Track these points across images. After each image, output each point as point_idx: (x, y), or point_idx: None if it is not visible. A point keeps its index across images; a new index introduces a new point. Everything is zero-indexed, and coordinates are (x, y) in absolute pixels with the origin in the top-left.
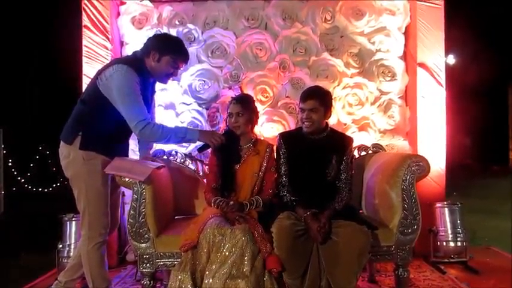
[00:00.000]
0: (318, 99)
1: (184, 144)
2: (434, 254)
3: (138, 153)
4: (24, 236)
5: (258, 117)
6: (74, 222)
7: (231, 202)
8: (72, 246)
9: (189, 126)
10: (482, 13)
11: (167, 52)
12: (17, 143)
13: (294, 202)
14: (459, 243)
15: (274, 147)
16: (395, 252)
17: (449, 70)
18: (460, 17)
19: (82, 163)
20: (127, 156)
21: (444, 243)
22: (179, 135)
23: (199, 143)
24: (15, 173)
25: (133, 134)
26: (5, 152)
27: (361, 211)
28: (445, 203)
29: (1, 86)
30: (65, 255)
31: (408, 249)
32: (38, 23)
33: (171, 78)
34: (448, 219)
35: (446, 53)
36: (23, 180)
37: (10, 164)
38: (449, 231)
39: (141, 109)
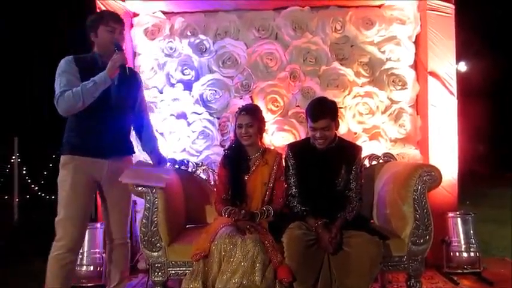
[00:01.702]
0: (329, 116)
1: (194, 153)
2: (447, 265)
3: (143, 153)
4: (37, 243)
5: (265, 127)
6: (86, 230)
7: (243, 211)
8: (85, 254)
9: (199, 137)
10: (493, 19)
11: (96, 23)
12: (31, 151)
13: (304, 212)
14: (472, 254)
15: (283, 157)
16: (407, 262)
17: (461, 77)
18: (471, 24)
19: (61, 170)
20: (117, 150)
21: (457, 254)
22: (89, 85)
23: None
24: (29, 180)
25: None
26: (19, 160)
27: (372, 221)
28: (458, 212)
29: (16, 95)
30: (78, 262)
31: (420, 260)
32: (54, 34)
33: (124, 48)
34: (461, 229)
35: (458, 60)
36: (36, 188)
37: (24, 171)
38: (462, 242)
39: (61, 85)
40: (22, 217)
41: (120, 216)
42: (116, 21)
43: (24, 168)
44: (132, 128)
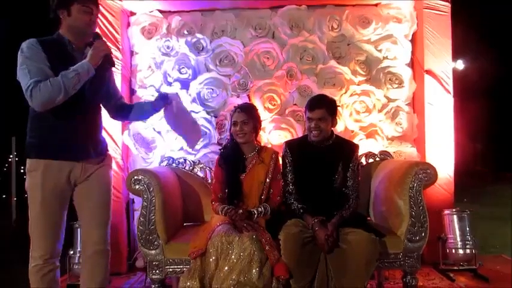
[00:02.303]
0: (326, 108)
1: (192, 151)
2: (444, 262)
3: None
4: None
5: (261, 126)
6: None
7: (240, 210)
8: (78, 249)
9: None
10: (490, 17)
11: (71, 0)
12: None
13: (301, 210)
14: (468, 251)
15: (280, 155)
16: (404, 259)
17: (459, 75)
18: (468, 22)
19: (27, 176)
20: (91, 151)
21: (453, 251)
22: (70, 75)
23: None
24: None
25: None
26: (16, 159)
27: (369, 218)
28: (454, 210)
29: (13, 95)
30: (76, 261)
31: (416, 257)
32: (49, 34)
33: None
34: (457, 226)
35: (455, 58)
36: None
37: (22, 171)
38: (459, 239)
39: (32, 74)
40: (20, 216)
41: (100, 221)
42: (93, 2)
43: (22, 168)
44: (114, 116)
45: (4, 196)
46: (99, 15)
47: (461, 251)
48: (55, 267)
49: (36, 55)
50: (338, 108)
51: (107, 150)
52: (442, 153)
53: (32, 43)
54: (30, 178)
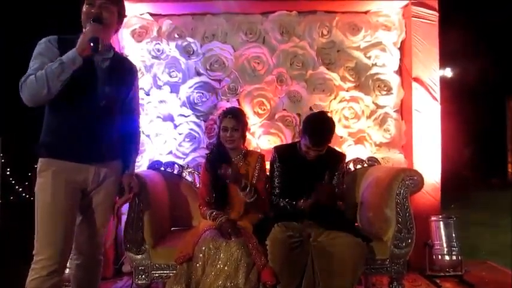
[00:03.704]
0: (328, 141)
1: (181, 155)
2: (430, 268)
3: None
4: (21, 245)
5: (248, 131)
6: (72, 246)
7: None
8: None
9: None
10: (478, 23)
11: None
12: (16, 152)
13: (289, 203)
14: (454, 257)
15: (267, 159)
16: (390, 265)
17: (447, 82)
18: (456, 29)
19: (38, 177)
20: (105, 154)
21: (439, 257)
22: (54, 65)
23: None
24: (13, 182)
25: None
26: (3, 160)
27: (356, 224)
28: (440, 216)
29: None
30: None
31: (402, 263)
32: (39, 35)
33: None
34: (443, 232)
35: (444, 65)
36: (20, 189)
37: (8, 173)
38: (445, 245)
39: (31, 70)
40: (5, 218)
41: (99, 227)
42: None
43: (8, 169)
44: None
45: None
46: None
47: (447, 257)
48: (59, 282)
49: (48, 51)
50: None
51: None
52: (429, 160)
53: (49, 39)
54: (40, 178)
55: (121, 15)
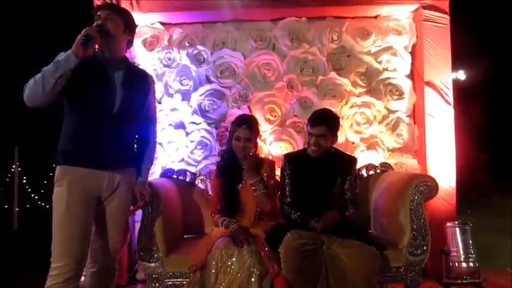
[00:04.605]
0: (327, 125)
1: (193, 163)
2: (447, 275)
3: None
4: (36, 253)
5: (258, 137)
6: (88, 254)
7: (235, 225)
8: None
9: (198, 146)
10: (491, 26)
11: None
12: (31, 160)
13: (303, 218)
14: (471, 264)
15: (277, 165)
16: (405, 273)
17: (460, 85)
18: (468, 31)
19: (55, 185)
20: (119, 161)
21: (456, 264)
22: (51, 68)
23: None
24: (29, 190)
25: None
26: (19, 169)
27: (370, 231)
28: (456, 222)
29: (16, 105)
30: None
31: (418, 270)
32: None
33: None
34: (459, 239)
35: (456, 69)
36: (36, 197)
37: (24, 181)
38: (461, 252)
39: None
40: (21, 226)
41: (112, 235)
42: (99, 8)
43: (25, 178)
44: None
45: (6, 206)
46: None
47: (464, 265)
48: (72, 285)
49: (57, 59)
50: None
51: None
52: (443, 165)
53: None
54: (57, 186)
55: (129, 26)
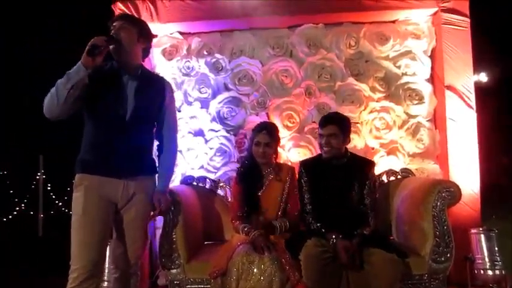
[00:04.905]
0: (337, 124)
1: (212, 169)
2: (472, 283)
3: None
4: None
5: (279, 145)
6: (105, 257)
7: (261, 217)
8: (106, 270)
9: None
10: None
11: None
12: (55, 168)
13: (321, 228)
14: (497, 272)
15: (297, 172)
16: (429, 281)
17: (483, 87)
18: (488, 34)
19: (73, 192)
20: (134, 170)
21: (482, 272)
22: (63, 80)
23: None
24: (53, 197)
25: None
26: (44, 177)
27: (391, 237)
28: (481, 229)
29: (41, 115)
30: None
31: (442, 278)
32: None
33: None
34: (484, 245)
35: (479, 71)
36: (60, 204)
37: (49, 188)
38: (487, 259)
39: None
40: (46, 232)
41: (131, 243)
42: (114, 19)
43: (49, 185)
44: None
45: (32, 213)
46: None
47: (490, 272)
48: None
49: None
50: (357, 125)
51: (156, 172)
52: (466, 170)
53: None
54: (75, 192)
55: (143, 35)
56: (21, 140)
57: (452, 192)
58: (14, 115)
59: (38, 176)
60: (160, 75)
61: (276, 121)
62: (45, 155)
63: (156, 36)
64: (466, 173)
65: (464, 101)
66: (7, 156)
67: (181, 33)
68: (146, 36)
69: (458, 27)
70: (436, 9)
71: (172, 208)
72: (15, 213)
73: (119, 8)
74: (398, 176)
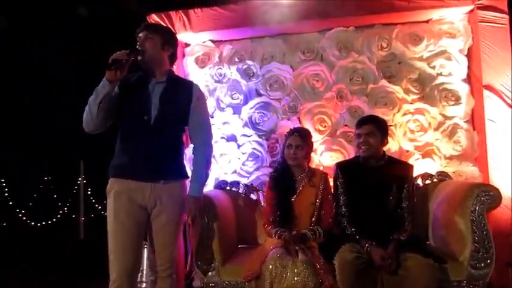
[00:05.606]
0: (374, 123)
1: (245, 174)
2: None
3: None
4: (103, 261)
5: (312, 152)
6: (140, 261)
7: (294, 232)
8: (144, 272)
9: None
10: None
11: None
12: (95, 173)
13: (355, 233)
14: None
15: (330, 177)
16: (468, 287)
17: None
18: None
19: (107, 198)
20: (162, 173)
21: None
22: (93, 96)
23: None
24: (93, 201)
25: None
26: (84, 182)
27: (428, 242)
28: None
29: (81, 122)
30: (138, 279)
31: (482, 285)
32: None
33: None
34: None
35: None
36: (100, 208)
37: (89, 192)
38: None
39: None
40: (87, 235)
41: (163, 248)
42: (139, 30)
43: (89, 189)
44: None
45: (74, 216)
46: None
47: None
48: None
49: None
50: (391, 127)
51: (184, 176)
52: (507, 172)
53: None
54: (108, 199)
55: (167, 42)
56: (62, 147)
57: (492, 196)
58: (46, 119)
59: (79, 180)
60: (190, 79)
61: (308, 125)
62: (85, 160)
63: (189, 45)
64: (507, 175)
65: (504, 100)
66: (50, 162)
67: (213, 41)
68: (170, 43)
69: (497, 25)
70: (472, 6)
71: (207, 212)
72: (58, 216)
73: (153, 19)
74: (435, 180)
